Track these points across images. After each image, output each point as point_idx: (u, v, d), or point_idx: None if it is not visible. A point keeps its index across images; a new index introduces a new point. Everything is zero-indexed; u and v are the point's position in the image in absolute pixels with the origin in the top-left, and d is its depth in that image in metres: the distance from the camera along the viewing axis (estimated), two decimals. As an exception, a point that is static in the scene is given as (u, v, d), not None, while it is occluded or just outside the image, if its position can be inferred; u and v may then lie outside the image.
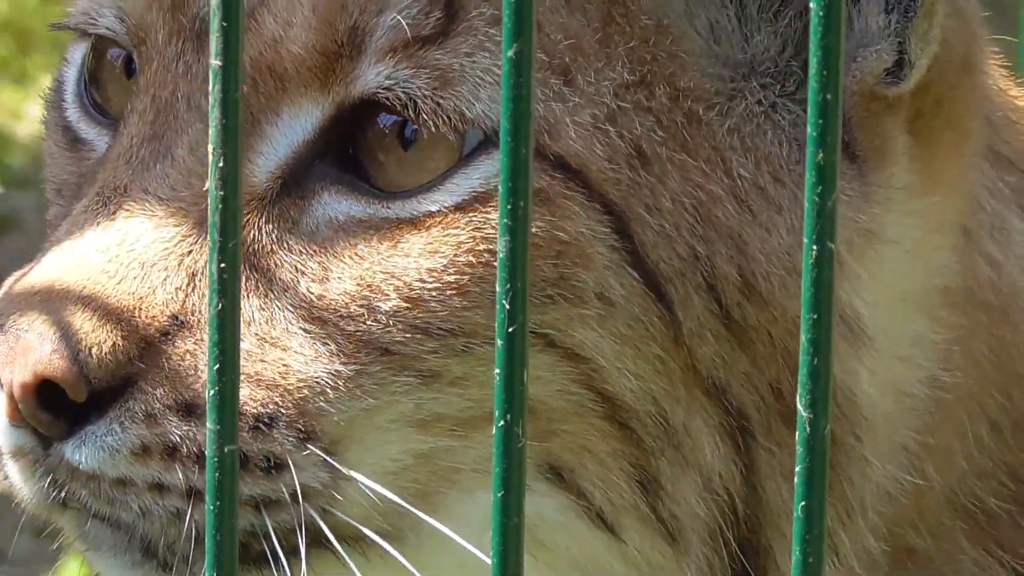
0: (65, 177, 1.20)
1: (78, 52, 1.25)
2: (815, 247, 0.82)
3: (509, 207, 0.82)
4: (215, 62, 0.77)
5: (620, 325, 1.06)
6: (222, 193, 0.78)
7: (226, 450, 0.77)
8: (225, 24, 0.79)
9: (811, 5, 0.79)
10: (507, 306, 0.84)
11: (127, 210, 1.07)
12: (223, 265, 0.81)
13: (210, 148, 0.80)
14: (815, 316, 0.83)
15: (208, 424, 0.82)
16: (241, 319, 0.80)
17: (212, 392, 0.81)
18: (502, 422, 0.84)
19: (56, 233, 1.10)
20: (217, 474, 0.79)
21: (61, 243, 1.07)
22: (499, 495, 0.83)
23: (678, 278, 1.06)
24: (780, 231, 1.06)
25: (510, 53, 0.83)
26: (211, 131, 0.80)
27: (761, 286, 1.07)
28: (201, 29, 1.12)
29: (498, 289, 0.84)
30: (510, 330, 0.84)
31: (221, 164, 0.81)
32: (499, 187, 0.85)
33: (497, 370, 0.85)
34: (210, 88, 0.78)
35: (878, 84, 1.07)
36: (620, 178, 1.08)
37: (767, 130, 1.09)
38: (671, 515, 1.05)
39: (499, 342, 0.86)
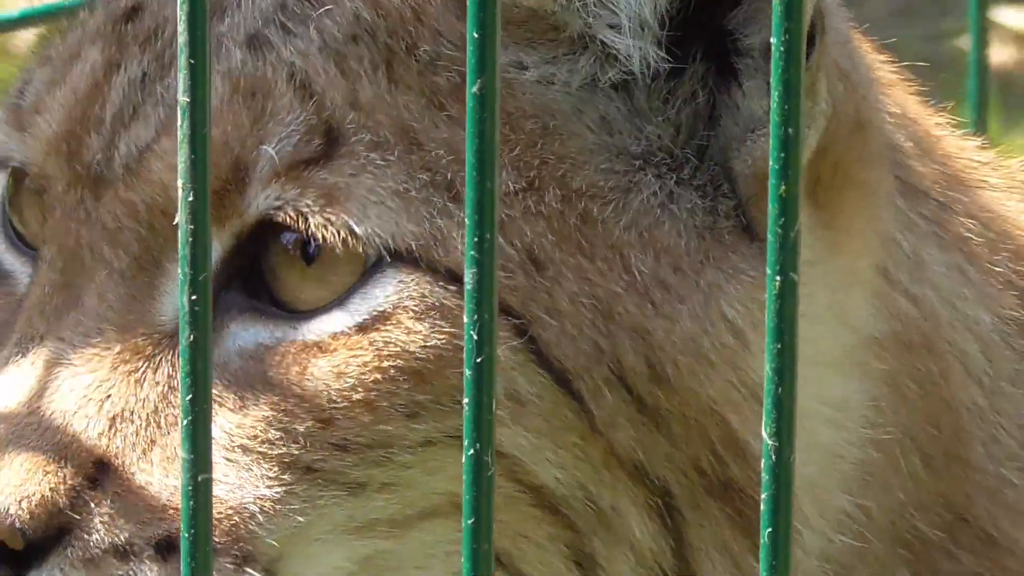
0: None
1: (0, 178, 1.26)
2: (778, 278, 0.85)
3: (476, 239, 0.84)
4: (183, 98, 0.78)
5: (535, 420, 1.08)
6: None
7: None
8: (192, 62, 0.80)
9: (772, 40, 0.81)
10: (475, 336, 0.87)
11: (45, 360, 1.08)
12: (194, 302, 0.81)
13: (180, 185, 0.80)
14: (779, 346, 0.84)
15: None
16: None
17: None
18: (472, 451, 0.86)
19: None
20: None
21: None
22: (469, 522, 0.84)
23: (585, 373, 1.08)
24: (684, 320, 1.08)
25: (474, 90, 0.84)
26: (180, 167, 0.81)
27: (670, 373, 1.08)
28: (99, 174, 1.13)
29: (466, 320, 0.86)
30: (478, 360, 0.86)
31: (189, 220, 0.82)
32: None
33: (466, 400, 0.86)
34: (178, 124, 0.79)
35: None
36: (516, 284, 1.09)
37: (664, 221, 1.10)
38: None
39: (467, 372, 0.88)
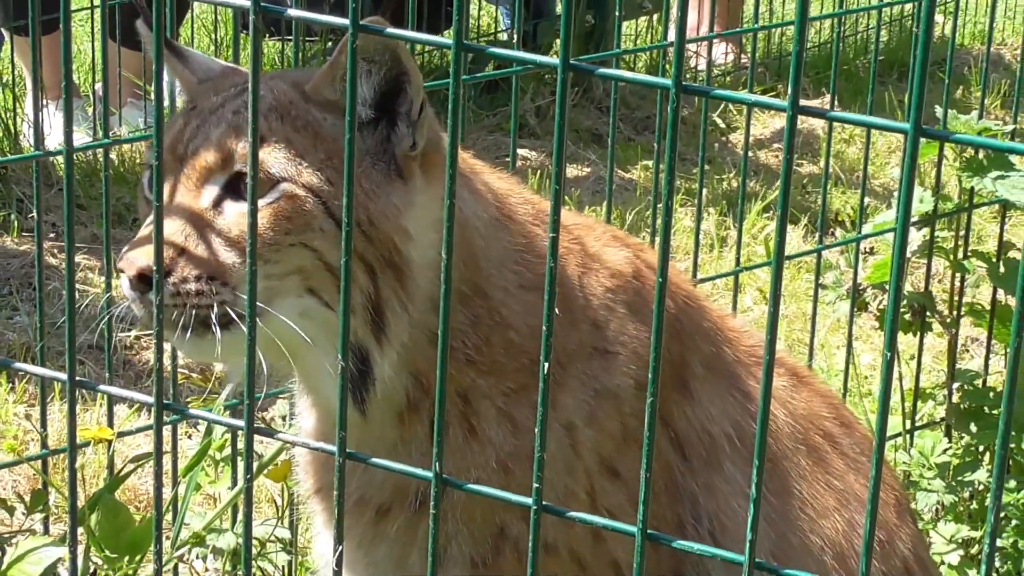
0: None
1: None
2: (449, 200, 1.55)
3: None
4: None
5: (323, 242, 1.95)
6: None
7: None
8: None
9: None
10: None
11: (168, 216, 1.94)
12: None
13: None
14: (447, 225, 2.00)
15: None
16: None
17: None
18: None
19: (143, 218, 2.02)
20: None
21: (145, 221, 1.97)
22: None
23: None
24: (381, 204, 1.98)
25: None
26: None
27: (376, 222, 1.97)
28: (182, 157, 2.01)
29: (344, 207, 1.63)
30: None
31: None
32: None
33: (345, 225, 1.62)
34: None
35: (406, 152, 1.99)
36: (329, 189, 1.98)
37: (373, 172, 2.01)
38: (355, 301, 1.94)
39: (341, 226, 1.72)
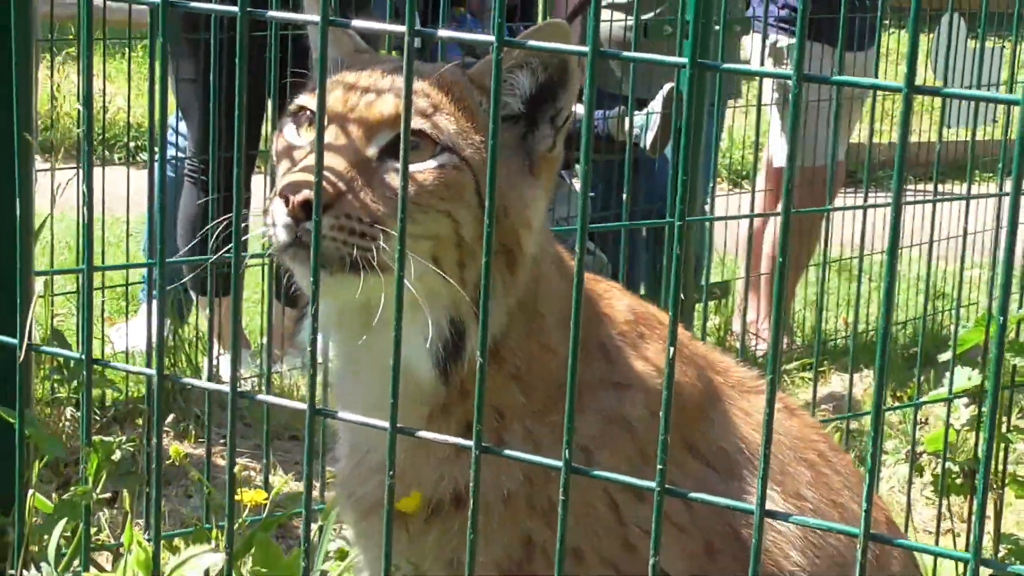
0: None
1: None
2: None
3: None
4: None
5: (466, 213, 2.01)
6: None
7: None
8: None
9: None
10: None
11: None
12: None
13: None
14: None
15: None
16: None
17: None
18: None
19: (294, 165, 2.05)
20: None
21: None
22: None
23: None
24: (515, 194, 2.05)
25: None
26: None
27: (509, 213, 2.04)
28: (351, 111, 2.05)
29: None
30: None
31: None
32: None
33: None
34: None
35: (544, 153, 2.08)
36: (478, 159, 2.03)
37: (514, 160, 2.09)
38: (469, 277, 2.01)
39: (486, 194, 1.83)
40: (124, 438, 2.12)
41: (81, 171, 2.15)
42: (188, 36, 4.99)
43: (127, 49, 5.85)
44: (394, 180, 1.93)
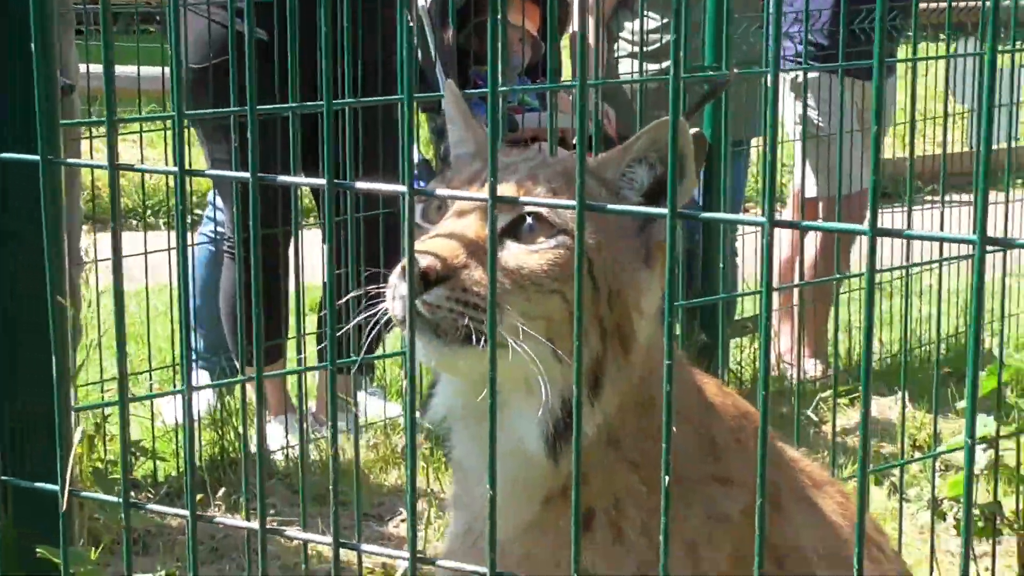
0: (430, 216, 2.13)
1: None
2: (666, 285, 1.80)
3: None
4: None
5: (588, 296, 2.00)
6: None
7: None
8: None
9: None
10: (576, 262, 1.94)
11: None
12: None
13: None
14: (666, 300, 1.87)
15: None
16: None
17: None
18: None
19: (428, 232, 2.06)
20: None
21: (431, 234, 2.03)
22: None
23: (603, 286, 2.01)
24: (629, 281, 2.05)
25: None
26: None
27: (623, 295, 2.04)
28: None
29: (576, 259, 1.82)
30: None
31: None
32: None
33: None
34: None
35: (660, 242, 2.08)
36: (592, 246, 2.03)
37: (628, 251, 2.08)
38: (584, 358, 1.95)
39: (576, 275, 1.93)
40: (164, 572, 2.24)
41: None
42: (220, 123, 5.14)
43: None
44: (508, 260, 2.00)
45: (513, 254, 1.99)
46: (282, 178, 1.95)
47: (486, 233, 1.93)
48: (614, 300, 2.01)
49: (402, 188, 1.75)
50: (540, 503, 2.10)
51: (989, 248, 1.35)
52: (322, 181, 1.83)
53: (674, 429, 1.89)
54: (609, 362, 2.02)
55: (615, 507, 2.08)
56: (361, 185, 1.94)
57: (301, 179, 1.93)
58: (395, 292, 1.99)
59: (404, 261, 1.89)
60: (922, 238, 1.52)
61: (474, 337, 1.93)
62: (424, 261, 1.93)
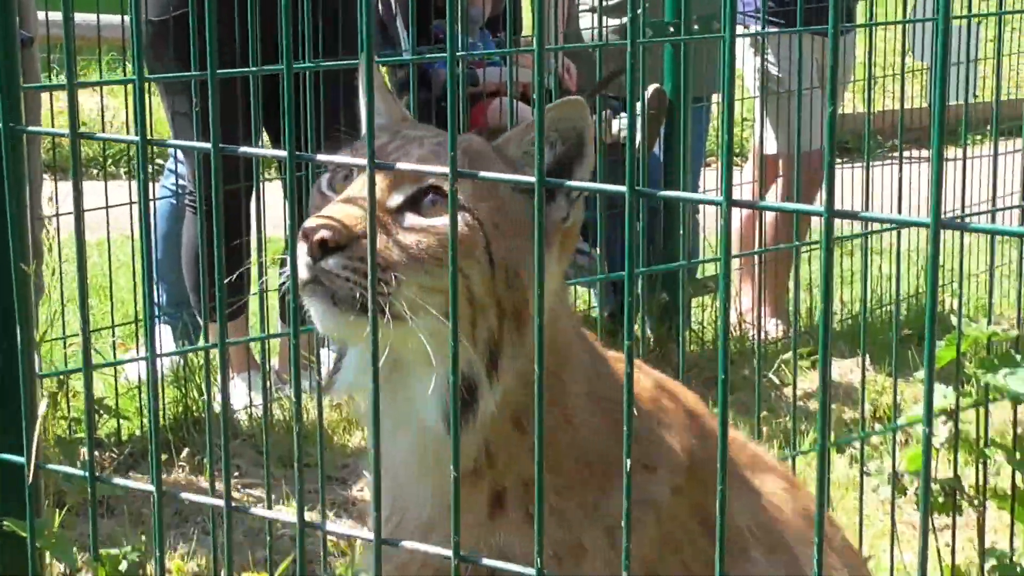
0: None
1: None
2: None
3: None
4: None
5: (480, 283, 2.02)
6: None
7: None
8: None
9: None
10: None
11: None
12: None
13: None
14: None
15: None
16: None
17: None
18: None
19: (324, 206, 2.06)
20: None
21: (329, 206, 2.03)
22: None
23: (500, 265, 2.02)
24: (528, 261, 2.05)
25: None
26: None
27: (522, 277, 2.04)
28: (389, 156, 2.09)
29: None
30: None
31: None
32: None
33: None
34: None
35: (557, 223, 2.11)
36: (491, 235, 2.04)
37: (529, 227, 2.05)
38: (480, 336, 2.02)
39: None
40: (130, 548, 2.25)
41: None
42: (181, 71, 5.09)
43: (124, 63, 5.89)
44: (411, 232, 2.00)
45: (412, 227, 2.00)
46: (243, 149, 1.95)
47: (388, 203, 2.00)
48: (514, 281, 2.03)
49: (362, 161, 1.78)
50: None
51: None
52: (283, 153, 1.84)
53: (597, 419, 2.10)
54: (506, 340, 2.03)
55: (524, 488, 2.09)
56: (322, 157, 1.96)
57: (262, 150, 1.93)
58: (296, 257, 1.98)
59: (303, 227, 1.94)
60: (878, 219, 1.55)
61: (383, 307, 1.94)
62: (322, 230, 1.93)
